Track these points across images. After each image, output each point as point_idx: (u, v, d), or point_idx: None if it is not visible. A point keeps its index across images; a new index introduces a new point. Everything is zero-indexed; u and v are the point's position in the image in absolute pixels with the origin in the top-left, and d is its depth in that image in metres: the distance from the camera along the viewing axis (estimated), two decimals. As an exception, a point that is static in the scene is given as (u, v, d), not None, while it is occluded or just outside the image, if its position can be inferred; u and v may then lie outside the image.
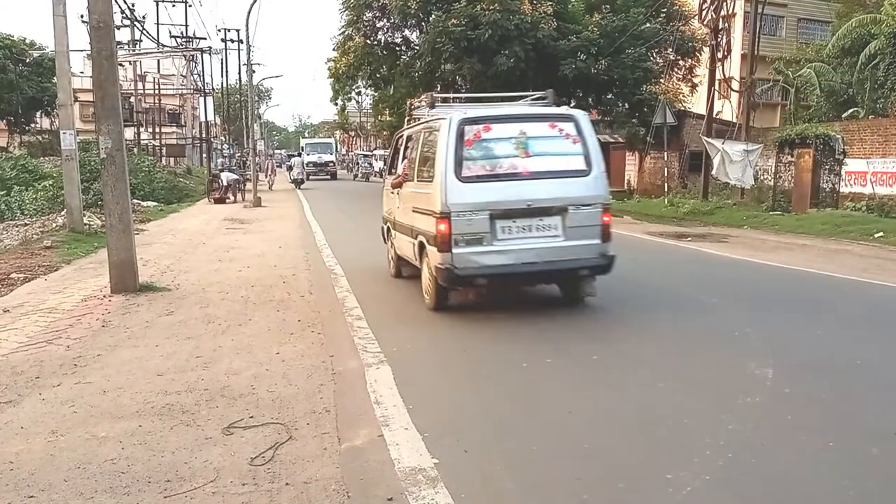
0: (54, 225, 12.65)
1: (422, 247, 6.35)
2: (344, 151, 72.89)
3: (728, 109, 21.72)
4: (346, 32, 26.30)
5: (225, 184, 23.88)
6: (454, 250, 5.70)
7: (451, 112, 6.34)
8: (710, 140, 18.39)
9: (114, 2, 8.63)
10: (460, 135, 5.88)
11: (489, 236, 5.76)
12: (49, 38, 14.10)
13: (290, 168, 38.15)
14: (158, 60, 40.97)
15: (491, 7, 21.25)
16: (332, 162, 43.21)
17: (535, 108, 7.13)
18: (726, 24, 19.28)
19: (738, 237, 13.41)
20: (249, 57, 25.74)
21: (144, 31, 33.12)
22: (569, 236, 5.89)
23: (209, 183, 25.81)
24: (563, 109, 6.84)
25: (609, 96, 25.03)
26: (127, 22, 31.19)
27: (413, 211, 6.68)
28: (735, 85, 21.13)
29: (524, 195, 5.82)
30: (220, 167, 30.04)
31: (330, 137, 60.37)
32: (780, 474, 3.08)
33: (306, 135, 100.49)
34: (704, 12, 19.23)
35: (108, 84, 6.91)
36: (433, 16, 23.05)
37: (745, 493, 2.93)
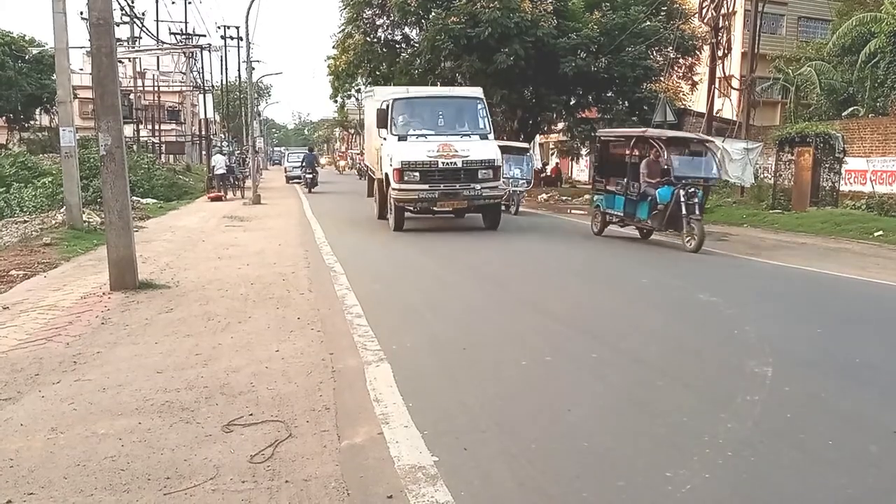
0: (53, 222, 12.62)
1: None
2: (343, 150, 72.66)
3: (728, 108, 21.73)
4: (346, 30, 26.31)
5: (222, 170, 24.14)
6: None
7: None
8: (710, 138, 18.38)
9: (113, -2, 8.62)
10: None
11: None
12: (48, 35, 14.12)
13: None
14: (158, 57, 40.95)
15: (491, 5, 21.24)
16: (491, 163, 12.21)
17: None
18: (726, 23, 19.28)
19: (738, 235, 13.43)
20: (249, 54, 25.74)
21: (144, 28, 33.09)
22: None
23: (208, 181, 25.80)
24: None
25: (609, 94, 25.05)
26: (126, 19, 31.11)
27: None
28: (735, 83, 21.13)
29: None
30: (215, 151, 30.00)
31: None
32: (779, 473, 3.09)
33: (305, 132, 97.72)
34: (705, 10, 19.24)
35: (107, 81, 6.90)
36: (433, 13, 23.04)
37: (745, 491, 2.93)
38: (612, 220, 12.48)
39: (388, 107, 12.77)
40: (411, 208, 12.27)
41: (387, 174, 12.38)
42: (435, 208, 12.36)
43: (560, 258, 10.30)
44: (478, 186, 11.79)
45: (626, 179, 11.82)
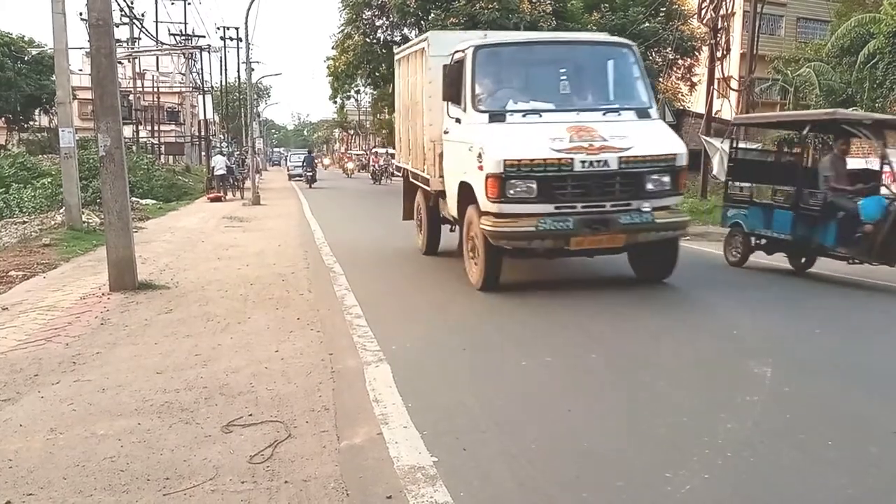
0: (53, 223, 12.62)
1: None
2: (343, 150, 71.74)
3: (727, 108, 21.75)
4: (346, 31, 26.36)
5: (223, 171, 24.18)
6: None
7: None
8: (709, 139, 18.39)
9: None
10: None
11: None
12: (48, 36, 14.11)
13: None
14: (157, 58, 40.97)
15: (490, 6, 21.29)
16: (670, 162, 6.43)
17: None
18: (725, 24, 19.27)
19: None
20: (248, 55, 25.73)
21: (143, 29, 33.09)
22: None
23: (207, 181, 25.82)
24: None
25: (608, 95, 25.06)
26: (126, 20, 31.11)
27: None
28: (734, 84, 21.16)
29: None
30: (215, 152, 30.24)
31: None
32: (778, 473, 3.09)
33: (304, 132, 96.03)
34: (703, 11, 19.24)
35: (106, 82, 6.90)
36: (432, 14, 23.09)
37: (744, 491, 2.93)
38: (759, 244, 8.41)
39: (464, 62, 7.00)
40: (512, 248, 6.50)
41: (465, 184, 6.87)
42: (567, 248, 6.43)
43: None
44: (646, 207, 6.30)
45: (796, 187, 7.84)
